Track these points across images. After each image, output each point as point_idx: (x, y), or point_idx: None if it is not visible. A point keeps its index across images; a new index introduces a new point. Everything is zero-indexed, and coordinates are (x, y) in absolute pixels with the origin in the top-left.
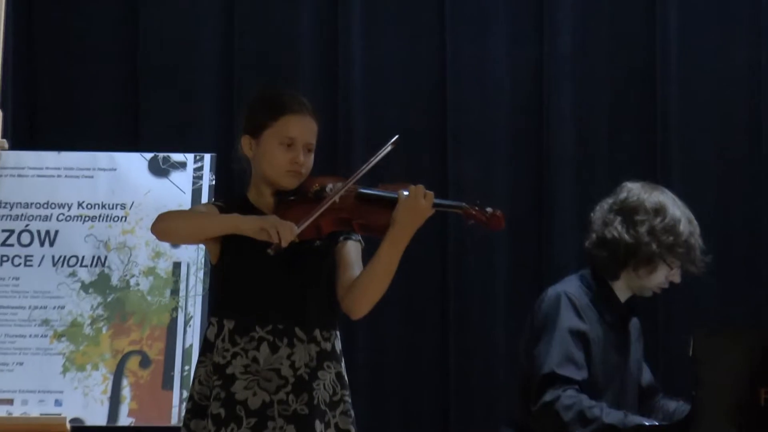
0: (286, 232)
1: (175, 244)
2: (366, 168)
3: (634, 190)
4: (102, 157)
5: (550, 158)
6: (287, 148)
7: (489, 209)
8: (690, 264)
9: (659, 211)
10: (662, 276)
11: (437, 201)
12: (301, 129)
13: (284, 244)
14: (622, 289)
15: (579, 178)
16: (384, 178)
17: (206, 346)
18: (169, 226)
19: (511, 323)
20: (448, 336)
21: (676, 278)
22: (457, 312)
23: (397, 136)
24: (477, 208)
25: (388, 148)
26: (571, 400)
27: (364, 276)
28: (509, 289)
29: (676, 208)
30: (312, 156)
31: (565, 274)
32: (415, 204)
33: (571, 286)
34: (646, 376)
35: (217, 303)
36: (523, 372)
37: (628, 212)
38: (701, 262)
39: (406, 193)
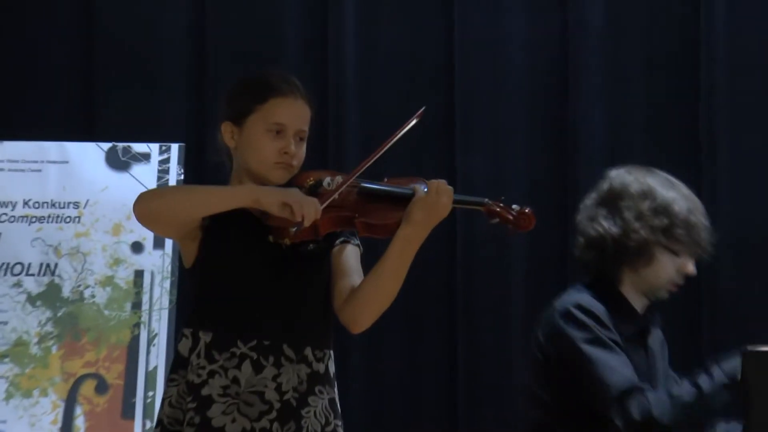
0: (311, 209)
1: (157, 234)
2: (382, 151)
3: (617, 176)
4: (51, 148)
5: (575, 150)
6: (275, 135)
7: (516, 206)
8: (695, 246)
9: (647, 193)
10: (669, 268)
11: (457, 197)
12: (292, 114)
13: (306, 224)
14: (633, 296)
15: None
16: (381, 175)
17: (178, 362)
18: (162, 204)
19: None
20: (456, 357)
21: (689, 268)
22: (467, 327)
23: (423, 108)
24: (502, 205)
25: (412, 121)
26: (660, 400)
27: (369, 283)
28: (528, 300)
29: (668, 187)
30: (304, 146)
31: None
32: (435, 201)
33: (581, 297)
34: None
35: (192, 312)
36: (539, 405)
37: (613, 201)
38: (708, 244)
39: (423, 188)
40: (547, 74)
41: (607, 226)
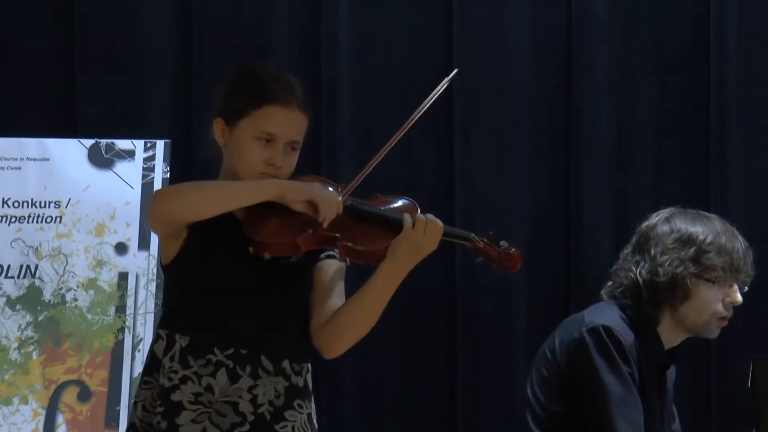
0: (333, 210)
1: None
2: (410, 125)
3: (645, 222)
4: (31, 145)
5: (580, 148)
6: (265, 144)
7: (503, 244)
8: (733, 271)
9: (672, 228)
10: (709, 299)
11: (444, 230)
12: (284, 124)
13: (326, 225)
14: (673, 334)
15: (617, 173)
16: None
17: (153, 364)
18: (184, 203)
19: (533, 356)
20: (456, 377)
21: (735, 297)
22: (466, 340)
23: (456, 70)
24: (486, 240)
25: (445, 84)
26: None
27: (347, 312)
28: (530, 311)
29: (695, 220)
30: (296, 156)
31: (596, 291)
32: (423, 242)
33: (614, 320)
34: (677, 427)
35: (167, 312)
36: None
37: (641, 245)
38: (750, 266)
39: (410, 220)
40: (551, 68)
41: (636, 270)
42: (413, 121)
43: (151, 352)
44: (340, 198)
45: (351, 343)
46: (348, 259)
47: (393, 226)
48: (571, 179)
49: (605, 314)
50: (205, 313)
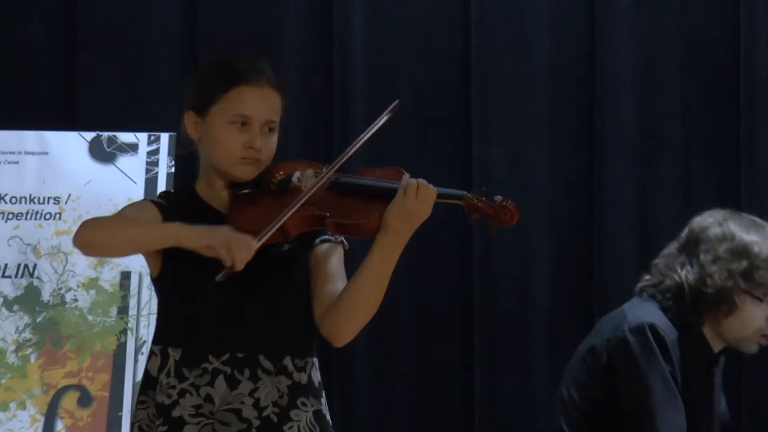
0: (242, 251)
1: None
2: (353, 149)
3: (697, 221)
4: (30, 137)
5: (604, 141)
6: (240, 128)
7: (498, 198)
8: None
9: (726, 235)
10: (755, 316)
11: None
12: (257, 103)
13: (239, 267)
14: (712, 340)
15: (642, 167)
16: (357, 166)
17: (147, 383)
18: (92, 238)
19: (556, 359)
20: (473, 379)
21: None
22: (484, 340)
23: (397, 102)
24: (482, 198)
25: (383, 118)
26: None
27: (348, 294)
28: (551, 311)
29: (750, 228)
30: (275, 137)
31: (620, 289)
32: (414, 208)
33: (658, 318)
34: (724, 409)
35: (159, 327)
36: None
37: (691, 247)
38: None
39: (400, 186)
40: (572, 58)
41: (683, 273)
42: (345, 158)
43: (145, 370)
44: (254, 241)
45: (357, 326)
46: (343, 238)
47: (383, 194)
48: (594, 174)
49: (648, 311)
50: (194, 320)
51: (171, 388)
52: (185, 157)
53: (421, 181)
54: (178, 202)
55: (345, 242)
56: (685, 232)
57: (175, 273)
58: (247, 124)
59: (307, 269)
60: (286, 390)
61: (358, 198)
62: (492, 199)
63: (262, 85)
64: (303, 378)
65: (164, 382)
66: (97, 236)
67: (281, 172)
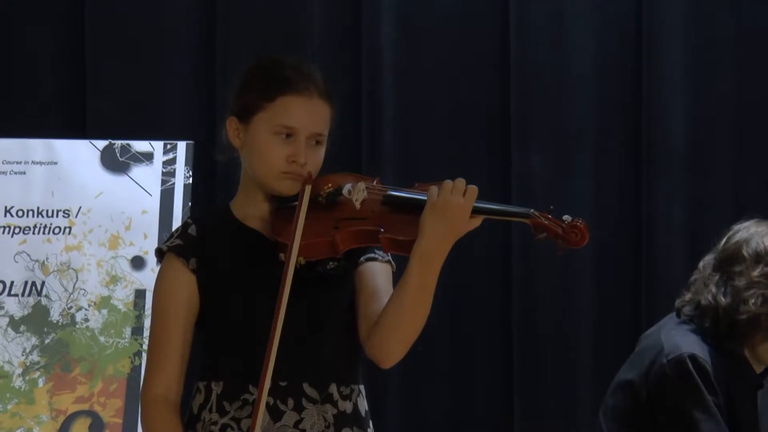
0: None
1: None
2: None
3: (736, 232)
4: (37, 146)
5: (652, 151)
6: (285, 140)
7: (567, 217)
8: None
9: (761, 255)
10: None
11: (489, 206)
12: (305, 115)
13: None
14: (752, 361)
15: (693, 179)
16: (425, 180)
17: (190, 421)
18: None
19: (599, 383)
20: (512, 404)
21: None
22: (523, 362)
23: (309, 185)
24: (548, 216)
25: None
26: None
27: (389, 310)
28: (596, 329)
29: None
30: (322, 150)
31: (669, 305)
32: (446, 202)
33: (698, 347)
34: None
35: (203, 361)
36: None
37: (726, 264)
38: None
39: (436, 189)
40: (618, 61)
41: (717, 293)
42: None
43: (189, 407)
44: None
45: (403, 344)
46: (390, 257)
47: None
48: (642, 184)
49: (685, 337)
50: (234, 350)
51: (213, 425)
52: (215, 167)
53: (459, 180)
54: (211, 226)
55: (392, 262)
56: (724, 241)
57: (216, 310)
58: (293, 136)
59: (352, 289)
60: (332, 419)
61: (412, 214)
62: (560, 218)
63: (310, 94)
64: (348, 406)
65: (207, 418)
66: None
67: (329, 185)
